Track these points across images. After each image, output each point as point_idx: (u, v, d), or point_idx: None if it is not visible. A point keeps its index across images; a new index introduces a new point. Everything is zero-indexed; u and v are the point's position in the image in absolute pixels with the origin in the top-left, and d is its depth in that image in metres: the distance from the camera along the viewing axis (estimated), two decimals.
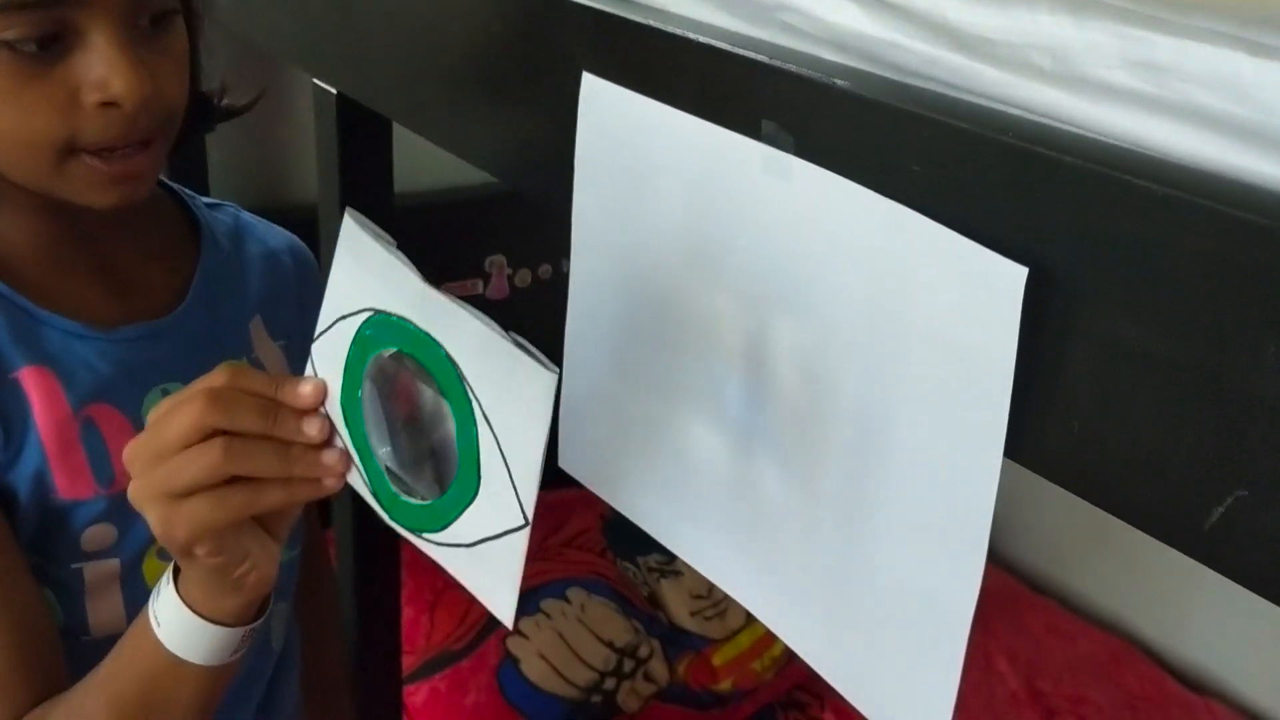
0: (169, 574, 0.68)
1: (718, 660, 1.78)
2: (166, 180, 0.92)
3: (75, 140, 0.72)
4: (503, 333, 0.52)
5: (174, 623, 0.67)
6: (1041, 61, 0.43)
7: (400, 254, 0.58)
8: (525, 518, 0.54)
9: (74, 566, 0.81)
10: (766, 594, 0.59)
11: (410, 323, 0.57)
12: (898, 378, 0.48)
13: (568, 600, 1.72)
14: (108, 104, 0.71)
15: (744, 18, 0.56)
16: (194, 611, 0.66)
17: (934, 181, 0.45)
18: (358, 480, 0.63)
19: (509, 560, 0.55)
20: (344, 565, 1.24)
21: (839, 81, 0.48)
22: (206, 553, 0.62)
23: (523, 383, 0.51)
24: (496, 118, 0.74)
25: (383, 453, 0.61)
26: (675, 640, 1.79)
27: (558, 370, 0.50)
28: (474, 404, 0.54)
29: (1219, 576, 0.39)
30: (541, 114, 0.69)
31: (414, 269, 0.57)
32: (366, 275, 0.60)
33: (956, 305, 0.45)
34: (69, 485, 0.79)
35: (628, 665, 1.70)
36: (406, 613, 1.71)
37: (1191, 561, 0.40)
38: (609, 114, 0.61)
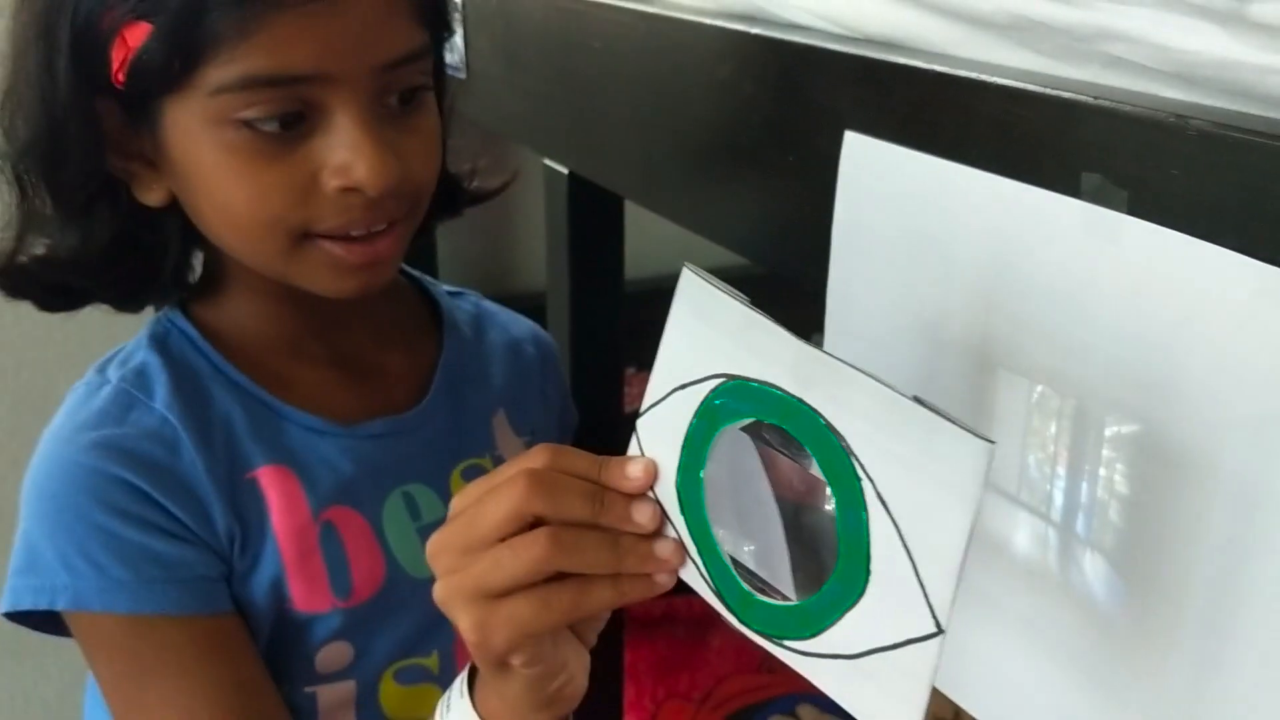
0: (461, 685, 0.60)
1: None
2: (404, 266, 0.88)
3: (312, 225, 0.67)
4: (909, 396, 0.43)
5: None
6: None
7: (760, 310, 0.49)
8: (938, 624, 0.43)
9: (308, 690, 0.74)
10: None
11: (777, 388, 0.48)
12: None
13: (797, 718, 1.60)
14: (349, 189, 0.65)
15: (1050, 54, 0.47)
16: None
17: None
18: (695, 576, 0.54)
19: (912, 676, 0.44)
20: None
21: (1194, 120, 0.38)
22: (524, 662, 0.54)
23: (942, 455, 0.42)
24: (743, 189, 0.67)
25: (736, 543, 0.52)
26: None
27: (994, 441, 0.40)
28: (864, 482, 0.45)
29: None
30: (796, 182, 0.61)
31: (782, 326, 0.48)
32: (716, 336, 0.51)
33: None
34: (306, 596, 0.73)
35: None
36: None
37: None
38: (876, 176, 0.53)
